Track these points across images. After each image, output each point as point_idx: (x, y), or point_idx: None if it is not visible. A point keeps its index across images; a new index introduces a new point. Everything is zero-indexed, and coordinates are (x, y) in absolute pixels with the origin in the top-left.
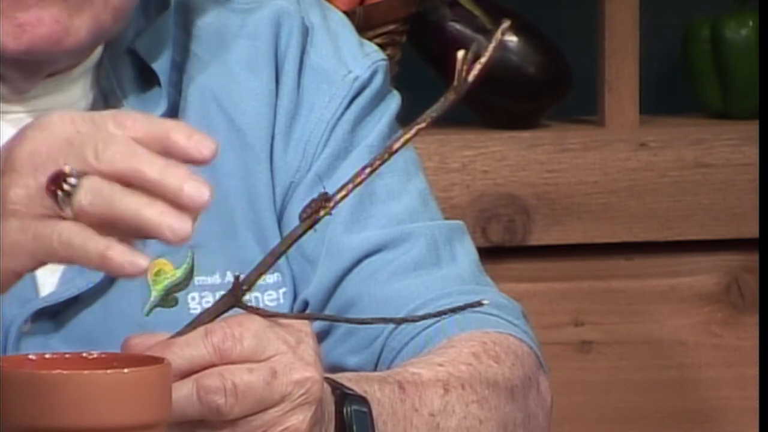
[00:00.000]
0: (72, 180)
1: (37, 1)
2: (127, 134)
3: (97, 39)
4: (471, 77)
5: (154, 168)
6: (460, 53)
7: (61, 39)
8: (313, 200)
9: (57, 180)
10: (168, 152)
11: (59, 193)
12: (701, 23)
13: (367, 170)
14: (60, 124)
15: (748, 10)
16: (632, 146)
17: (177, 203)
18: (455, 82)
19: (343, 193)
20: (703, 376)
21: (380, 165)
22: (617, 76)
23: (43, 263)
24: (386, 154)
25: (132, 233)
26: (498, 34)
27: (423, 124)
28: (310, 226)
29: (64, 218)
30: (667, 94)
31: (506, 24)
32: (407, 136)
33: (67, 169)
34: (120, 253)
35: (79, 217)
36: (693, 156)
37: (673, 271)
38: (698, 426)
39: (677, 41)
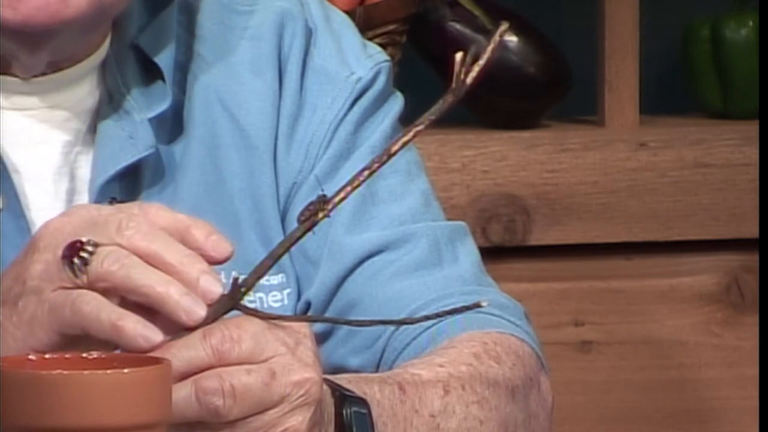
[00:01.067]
0: (89, 248)
1: None
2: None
3: (99, 13)
4: (469, 79)
5: (173, 254)
6: (459, 55)
7: (58, 10)
8: (311, 203)
9: (73, 248)
10: (185, 245)
11: (75, 260)
12: (701, 23)
13: (366, 173)
14: (84, 209)
15: (748, 10)
16: (632, 146)
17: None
18: (453, 84)
19: (342, 195)
20: (703, 376)
21: (378, 167)
22: (617, 76)
23: (61, 336)
24: (384, 156)
25: (145, 307)
26: (496, 36)
27: (421, 127)
28: (309, 229)
29: (79, 287)
30: (667, 94)
31: (504, 26)
32: (405, 139)
33: (84, 239)
34: (132, 324)
35: (94, 285)
36: (693, 156)
37: (673, 271)
38: (698, 426)
39: (677, 41)
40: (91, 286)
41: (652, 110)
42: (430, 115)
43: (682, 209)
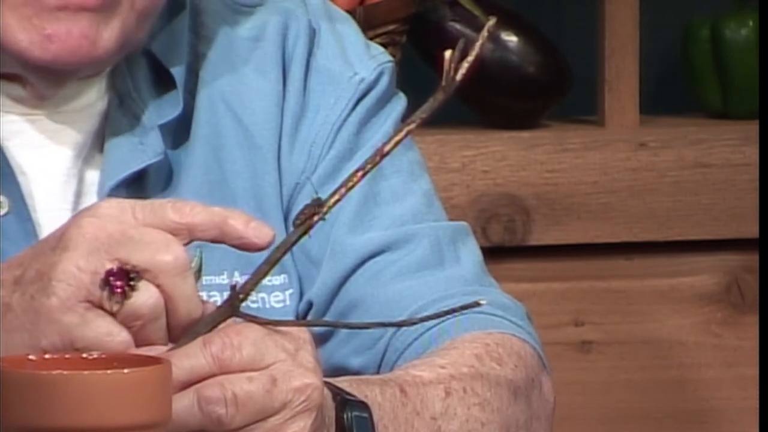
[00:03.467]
0: (131, 281)
1: (67, 14)
2: (185, 220)
3: (124, 47)
4: (459, 76)
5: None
6: (447, 53)
7: (89, 52)
8: (307, 206)
9: (116, 275)
10: (225, 237)
11: (116, 290)
12: (701, 23)
13: (360, 173)
14: (118, 212)
15: (748, 10)
16: (632, 146)
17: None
18: (443, 82)
19: (336, 197)
20: (703, 376)
21: (372, 168)
22: (617, 76)
23: (71, 348)
24: (377, 156)
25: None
26: (484, 32)
27: (413, 125)
28: (305, 232)
29: (106, 311)
30: (667, 94)
31: (492, 20)
32: (397, 138)
33: (129, 267)
34: None
35: (123, 319)
36: (693, 156)
37: (673, 271)
38: (698, 426)
39: (677, 41)
40: (119, 318)
41: (652, 110)
42: (421, 113)
43: (682, 209)
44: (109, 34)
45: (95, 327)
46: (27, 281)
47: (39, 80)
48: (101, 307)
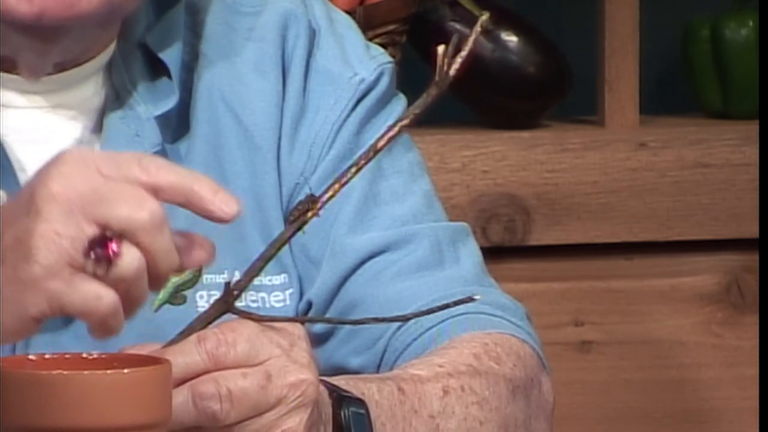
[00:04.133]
0: (115, 248)
1: None
2: (150, 180)
3: (111, 10)
4: (452, 71)
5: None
6: (440, 48)
7: (73, 4)
8: (300, 202)
9: (99, 243)
10: (190, 203)
11: (102, 260)
12: (701, 23)
13: (354, 169)
14: (83, 168)
15: (748, 10)
16: (632, 146)
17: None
18: (437, 77)
19: (330, 193)
20: (703, 376)
21: (365, 164)
22: (617, 76)
23: (60, 312)
24: (371, 152)
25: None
26: (477, 26)
27: (406, 121)
28: (298, 229)
29: (94, 275)
30: (667, 94)
31: (485, 16)
32: (391, 134)
33: (109, 233)
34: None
35: (114, 284)
36: (693, 156)
37: (673, 271)
38: (698, 426)
39: (677, 41)
40: (111, 283)
41: (652, 110)
42: (414, 109)
43: (682, 209)
44: None
45: (82, 291)
46: (6, 248)
47: (30, 45)
48: (85, 271)
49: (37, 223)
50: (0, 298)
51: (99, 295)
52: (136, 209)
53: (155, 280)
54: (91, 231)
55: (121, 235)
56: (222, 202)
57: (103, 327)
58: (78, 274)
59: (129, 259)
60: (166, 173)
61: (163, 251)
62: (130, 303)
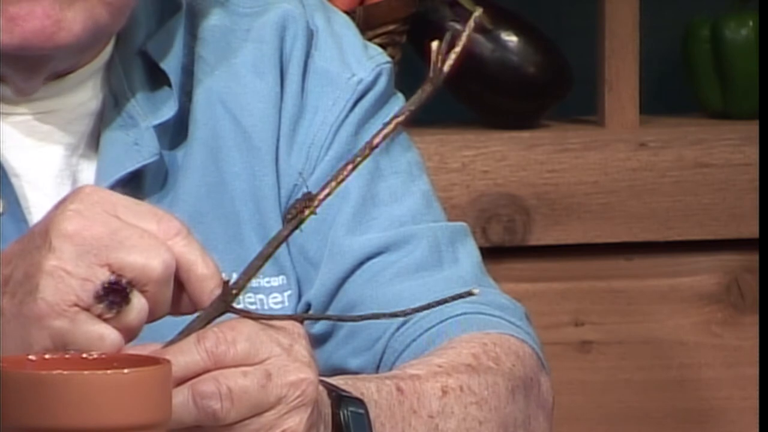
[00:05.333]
0: (126, 295)
1: None
2: (165, 240)
3: (94, 35)
4: (446, 67)
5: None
6: (434, 44)
7: (53, 33)
8: (298, 200)
9: (112, 290)
10: (188, 281)
11: (113, 305)
12: (701, 23)
13: (350, 167)
14: (101, 209)
15: (748, 10)
16: (632, 146)
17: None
18: (431, 74)
19: (327, 191)
20: (703, 376)
21: (362, 161)
22: (617, 76)
23: (64, 350)
24: (367, 149)
25: None
26: (471, 22)
27: (401, 118)
28: (296, 227)
29: (100, 317)
30: (667, 94)
31: (478, 12)
32: (386, 131)
33: (124, 281)
34: None
35: (119, 329)
36: (693, 156)
37: (673, 271)
38: (698, 426)
39: (677, 41)
40: (119, 329)
41: (652, 110)
42: (409, 105)
43: (682, 209)
44: (73, 15)
45: (86, 330)
46: (16, 282)
47: (14, 73)
48: (88, 310)
49: (48, 259)
50: (3, 331)
51: (103, 335)
52: (151, 259)
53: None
54: (103, 275)
55: (132, 283)
56: (214, 296)
57: None
58: (83, 313)
59: (138, 308)
60: (181, 241)
61: (164, 302)
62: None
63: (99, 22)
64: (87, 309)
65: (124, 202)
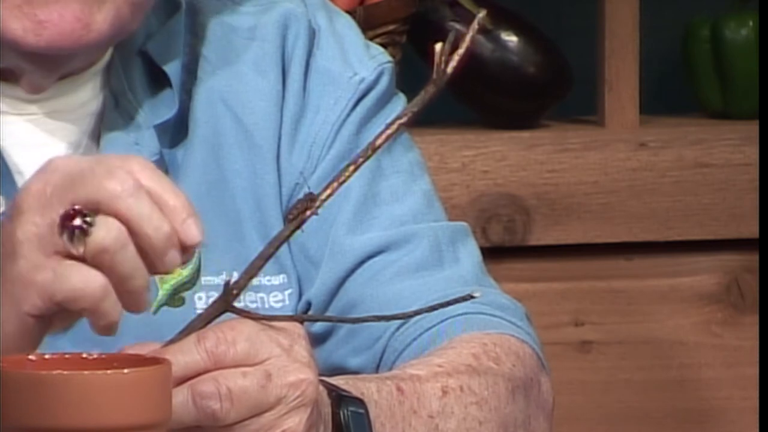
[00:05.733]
0: (87, 218)
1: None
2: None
3: (118, 34)
4: (450, 69)
5: (148, 223)
6: (438, 46)
7: (82, 36)
8: (299, 201)
9: (70, 217)
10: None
11: (75, 232)
12: (701, 23)
13: (352, 167)
14: (62, 163)
15: (748, 10)
16: (632, 146)
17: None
18: (434, 75)
19: (329, 192)
20: (703, 376)
21: (364, 162)
22: (617, 76)
23: (54, 304)
24: (369, 150)
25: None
26: (474, 24)
27: (404, 119)
28: (297, 227)
29: (74, 257)
30: (667, 94)
31: (482, 13)
32: (389, 132)
33: (78, 207)
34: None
35: (90, 257)
36: (693, 156)
37: (673, 271)
38: (698, 426)
39: (677, 41)
40: (87, 258)
41: (652, 110)
42: (412, 107)
43: (682, 209)
44: (102, 17)
45: (70, 278)
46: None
47: (35, 69)
48: (70, 256)
49: (19, 221)
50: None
51: (87, 278)
52: (104, 180)
53: (147, 249)
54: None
55: (96, 209)
56: (187, 228)
57: (99, 315)
58: (64, 262)
59: (105, 227)
60: (147, 174)
61: (144, 216)
62: (122, 278)
63: (123, 20)
64: (67, 256)
65: (91, 158)
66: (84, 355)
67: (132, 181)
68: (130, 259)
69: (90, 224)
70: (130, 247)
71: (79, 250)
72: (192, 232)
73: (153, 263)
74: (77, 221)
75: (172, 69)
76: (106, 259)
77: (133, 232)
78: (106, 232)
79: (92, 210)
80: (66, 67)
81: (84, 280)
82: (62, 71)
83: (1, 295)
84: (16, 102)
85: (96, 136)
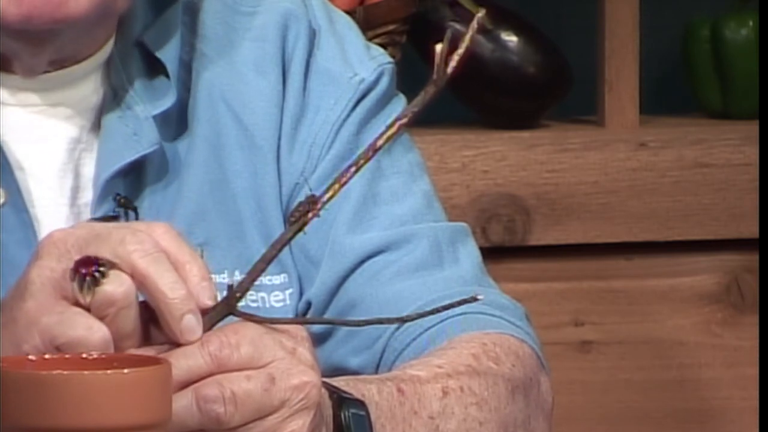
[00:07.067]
0: (102, 268)
1: None
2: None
3: (101, 13)
4: (450, 69)
5: (166, 282)
6: (438, 46)
7: (60, 5)
8: (301, 203)
9: (85, 264)
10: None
11: (87, 279)
12: (701, 23)
13: (353, 169)
14: (89, 223)
15: (748, 10)
16: (632, 146)
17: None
18: (434, 75)
19: (330, 193)
20: (703, 376)
21: (365, 163)
22: (617, 76)
23: (54, 348)
24: (370, 151)
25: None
26: (474, 23)
27: (404, 119)
28: (299, 229)
29: (79, 305)
30: (667, 94)
31: (481, 13)
32: (389, 133)
33: (94, 255)
34: None
35: (96, 308)
36: (693, 156)
37: (673, 271)
38: (698, 426)
39: (677, 41)
40: (92, 308)
41: (652, 110)
42: (412, 107)
43: (682, 209)
44: None
45: (73, 323)
46: (10, 297)
47: (22, 47)
48: (77, 304)
49: (35, 264)
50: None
51: (90, 327)
52: (126, 240)
53: (166, 313)
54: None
55: (113, 264)
56: (201, 290)
57: None
58: (70, 308)
59: (116, 281)
60: (169, 239)
61: (158, 274)
62: (118, 336)
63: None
64: (75, 303)
65: (114, 223)
66: (84, 355)
67: (152, 241)
68: (133, 320)
69: (103, 274)
70: (134, 308)
71: (86, 299)
72: (206, 294)
73: (170, 328)
74: (90, 269)
75: (169, 58)
76: (111, 312)
77: (149, 290)
78: (117, 285)
79: (109, 263)
80: (52, 46)
81: (89, 329)
82: (49, 50)
83: (2, 332)
84: (15, 91)
85: (97, 130)
